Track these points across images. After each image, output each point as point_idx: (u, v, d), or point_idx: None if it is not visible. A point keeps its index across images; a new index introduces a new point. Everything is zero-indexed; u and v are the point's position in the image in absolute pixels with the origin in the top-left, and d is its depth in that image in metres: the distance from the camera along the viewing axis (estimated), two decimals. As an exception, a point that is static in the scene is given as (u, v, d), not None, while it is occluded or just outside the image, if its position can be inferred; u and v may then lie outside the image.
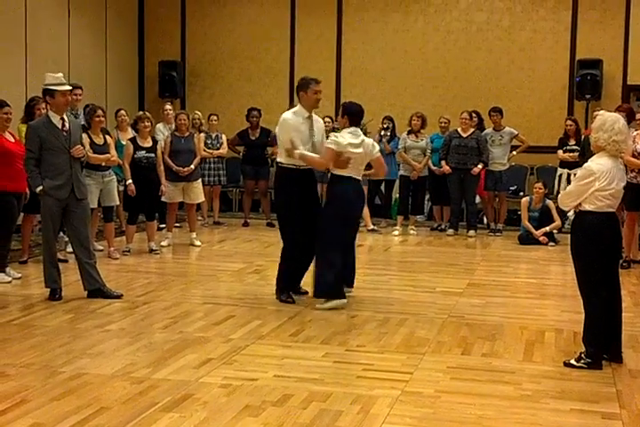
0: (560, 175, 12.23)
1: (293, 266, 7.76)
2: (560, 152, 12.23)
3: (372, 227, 12.29)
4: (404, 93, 14.44)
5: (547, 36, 14.06)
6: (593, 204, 5.66)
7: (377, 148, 7.71)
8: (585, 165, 5.76)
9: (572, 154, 11.95)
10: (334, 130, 12.59)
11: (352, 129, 7.48)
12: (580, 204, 5.73)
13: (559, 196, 5.98)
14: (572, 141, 12.15)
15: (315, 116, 7.82)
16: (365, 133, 9.06)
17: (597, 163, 5.67)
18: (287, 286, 7.75)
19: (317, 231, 7.46)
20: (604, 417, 4.82)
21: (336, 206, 7.46)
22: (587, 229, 5.69)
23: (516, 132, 12.48)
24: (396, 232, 12.31)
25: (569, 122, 12.37)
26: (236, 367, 5.63)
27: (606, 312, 5.74)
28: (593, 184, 5.61)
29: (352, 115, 7.53)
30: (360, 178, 7.61)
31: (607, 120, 5.68)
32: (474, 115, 12.40)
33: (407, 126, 12.41)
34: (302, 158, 7.44)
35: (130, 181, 9.92)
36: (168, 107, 12.84)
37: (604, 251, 5.69)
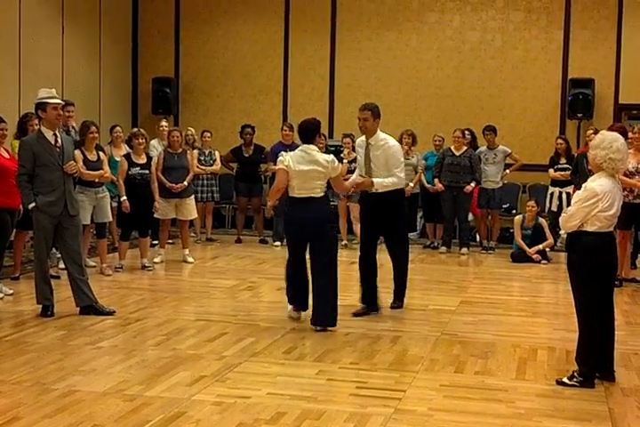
0: (552, 194, 12.26)
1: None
2: (551, 171, 12.26)
3: (344, 242, 12.16)
4: (398, 112, 14.48)
5: (539, 55, 14.15)
6: (594, 225, 5.64)
7: (336, 164, 7.45)
8: (587, 186, 5.71)
9: (563, 173, 12.00)
10: (327, 148, 12.66)
11: (304, 146, 7.39)
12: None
13: (560, 218, 5.91)
14: (563, 160, 12.19)
15: (382, 140, 8.05)
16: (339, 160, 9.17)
17: (599, 184, 5.64)
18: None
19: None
20: (597, 436, 4.84)
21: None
22: (586, 250, 5.68)
23: (510, 151, 12.54)
24: None
25: (559, 140, 12.42)
26: (228, 385, 5.61)
27: (601, 331, 5.74)
28: (596, 205, 5.59)
29: (299, 132, 7.56)
30: (317, 196, 7.31)
31: (606, 138, 5.68)
32: (467, 132, 12.46)
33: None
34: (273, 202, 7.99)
35: (124, 197, 9.92)
36: (164, 123, 12.85)
37: (602, 271, 5.69)
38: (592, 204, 5.61)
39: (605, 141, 5.65)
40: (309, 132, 7.44)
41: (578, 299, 5.81)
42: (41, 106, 7.53)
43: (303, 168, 7.21)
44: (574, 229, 5.73)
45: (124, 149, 10.94)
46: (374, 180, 7.77)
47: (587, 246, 5.69)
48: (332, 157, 7.43)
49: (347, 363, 6.23)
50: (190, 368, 5.97)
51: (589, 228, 5.66)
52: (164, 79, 15.10)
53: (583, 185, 5.80)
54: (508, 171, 12.61)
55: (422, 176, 12.47)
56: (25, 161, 7.50)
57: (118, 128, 11.19)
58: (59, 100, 7.69)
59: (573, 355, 5.91)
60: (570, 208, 5.81)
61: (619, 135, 5.81)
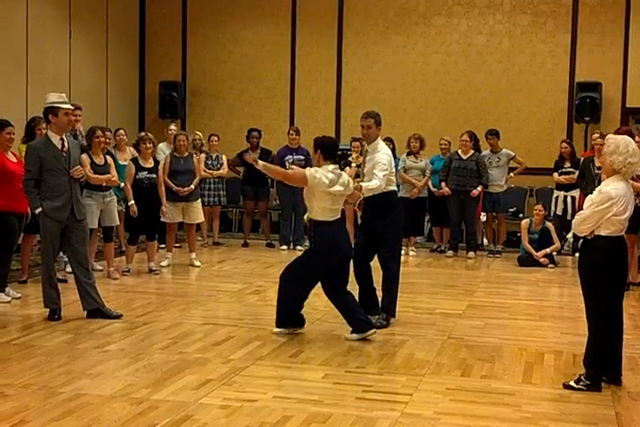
0: (556, 197, 12.23)
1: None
2: (555, 175, 12.25)
3: None
4: (404, 115, 14.50)
5: (546, 58, 14.15)
6: (607, 229, 5.62)
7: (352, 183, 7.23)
8: (601, 189, 5.68)
9: (567, 176, 11.99)
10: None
11: (332, 167, 7.06)
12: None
13: (573, 222, 5.88)
14: (568, 164, 12.16)
15: (379, 148, 7.65)
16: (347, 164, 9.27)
17: (614, 188, 5.61)
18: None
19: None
20: (604, 440, 4.83)
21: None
22: (600, 254, 5.65)
23: (513, 154, 12.52)
24: (402, 252, 12.37)
25: (564, 144, 12.40)
26: (235, 388, 5.62)
27: (609, 335, 5.73)
28: (610, 209, 5.57)
29: (325, 149, 7.15)
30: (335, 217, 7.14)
31: (620, 143, 5.65)
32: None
33: (406, 148, 12.49)
34: (266, 169, 7.24)
35: (132, 201, 9.94)
36: (173, 127, 12.87)
37: (614, 275, 5.67)
38: (607, 207, 5.58)
39: (621, 146, 5.61)
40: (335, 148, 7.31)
41: (588, 303, 5.78)
42: (52, 110, 7.53)
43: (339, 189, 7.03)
44: (587, 233, 5.71)
45: (129, 152, 10.94)
46: (362, 184, 7.36)
47: (599, 250, 5.67)
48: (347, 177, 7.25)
49: (353, 367, 6.23)
50: (197, 372, 5.98)
51: (603, 232, 5.64)
52: (171, 83, 15.14)
53: (597, 189, 5.76)
54: (512, 174, 12.61)
55: (429, 180, 12.46)
56: (31, 166, 7.51)
57: (121, 131, 11.18)
58: (70, 106, 7.72)
59: (580, 359, 5.90)
60: (583, 211, 5.79)
61: (629, 138, 5.80)
